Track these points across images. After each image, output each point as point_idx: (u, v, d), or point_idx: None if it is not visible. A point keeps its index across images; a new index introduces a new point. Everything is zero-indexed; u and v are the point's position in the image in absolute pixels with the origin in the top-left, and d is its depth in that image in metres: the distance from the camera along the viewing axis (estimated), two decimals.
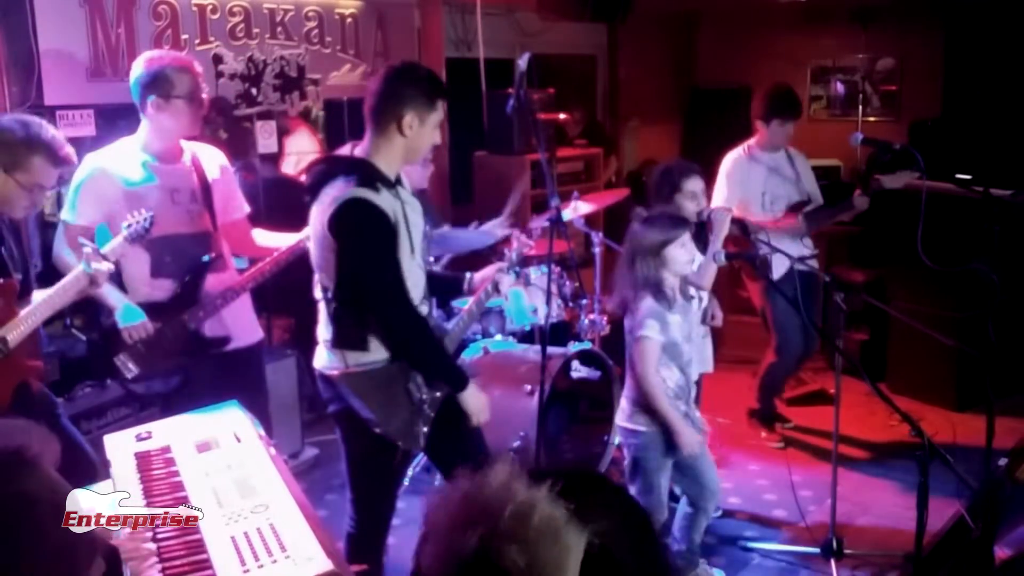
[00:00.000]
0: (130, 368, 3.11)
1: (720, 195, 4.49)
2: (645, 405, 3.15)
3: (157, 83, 3.08)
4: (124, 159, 3.16)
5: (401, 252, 2.62)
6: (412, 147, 2.68)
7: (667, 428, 3.12)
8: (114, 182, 3.12)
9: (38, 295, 2.85)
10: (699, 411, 3.35)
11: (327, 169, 2.67)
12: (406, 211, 2.65)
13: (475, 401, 2.76)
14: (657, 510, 3.21)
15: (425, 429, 2.75)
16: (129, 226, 2.89)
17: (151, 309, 3.11)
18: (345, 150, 2.76)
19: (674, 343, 3.14)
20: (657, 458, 3.17)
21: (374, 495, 2.84)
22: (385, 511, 2.86)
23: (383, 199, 2.57)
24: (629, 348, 3.19)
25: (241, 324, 3.35)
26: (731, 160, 4.55)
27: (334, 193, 2.57)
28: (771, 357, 4.66)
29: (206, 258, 3.19)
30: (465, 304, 3.06)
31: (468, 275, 3.03)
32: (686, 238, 3.12)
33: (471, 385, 2.74)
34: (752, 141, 4.58)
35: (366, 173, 2.59)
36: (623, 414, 3.25)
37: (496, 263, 3.05)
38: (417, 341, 2.68)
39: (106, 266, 2.82)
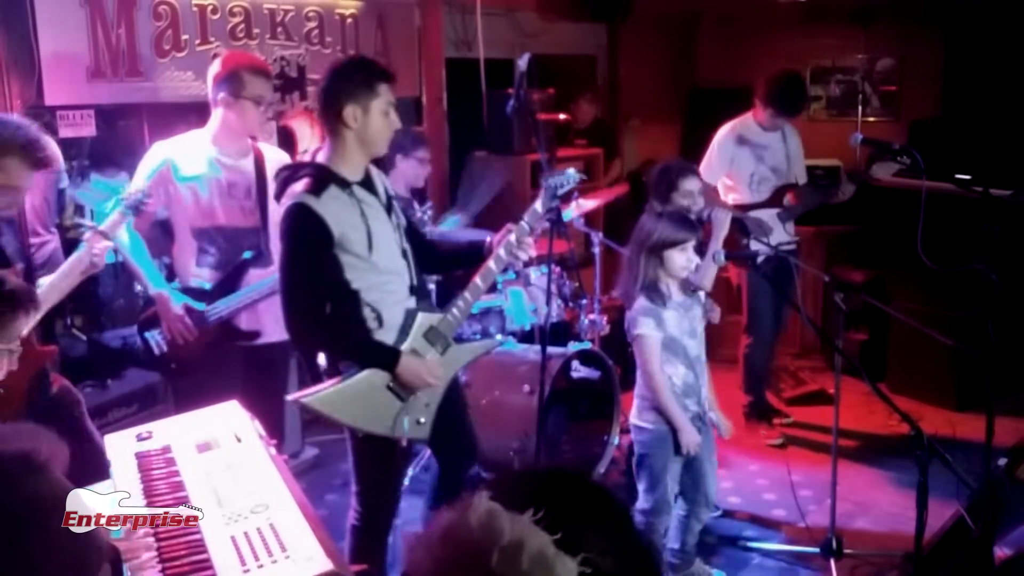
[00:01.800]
0: (160, 346, 3.22)
1: (708, 167, 4.59)
2: (652, 403, 3.17)
3: (229, 81, 3.18)
4: (191, 151, 3.27)
5: (357, 249, 2.63)
6: (365, 138, 2.68)
7: (672, 426, 3.14)
8: (174, 175, 3.24)
9: (43, 281, 2.89)
10: (715, 410, 3.34)
11: (289, 176, 2.71)
12: (364, 210, 2.66)
13: (409, 374, 2.70)
14: (662, 509, 3.23)
15: (422, 419, 2.77)
16: (123, 200, 2.96)
17: (193, 295, 3.24)
18: (308, 156, 2.80)
19: (673, 339, 3.16)
20: (663, 457, 3.19)
21: (379, 487, 2.85)
22: (390, 503, 2.88)
23: (327, 203, 2.58)
24: (631, 343, 3.23)
25: (276, 319, 3.37)
26: (725, 136, 4.63)
27: (284, 200, 2.64)
28: (745, 339, 4.75)
29: (248, 254, 3.28)
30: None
31: (488, 238, 2.97)
32: (689, 244, 3.12)
33: (402, 360, 2.68)
34: (750, 115, 4.62)
35: (316, 177, 2.63)
36: (633, 411, 3.28)
37: (509, 225, 2.91)
38: (324, 339, 2.72)
39: (106, 244, 2.88)
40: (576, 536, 0.92)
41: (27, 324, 2.47)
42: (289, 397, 2.75)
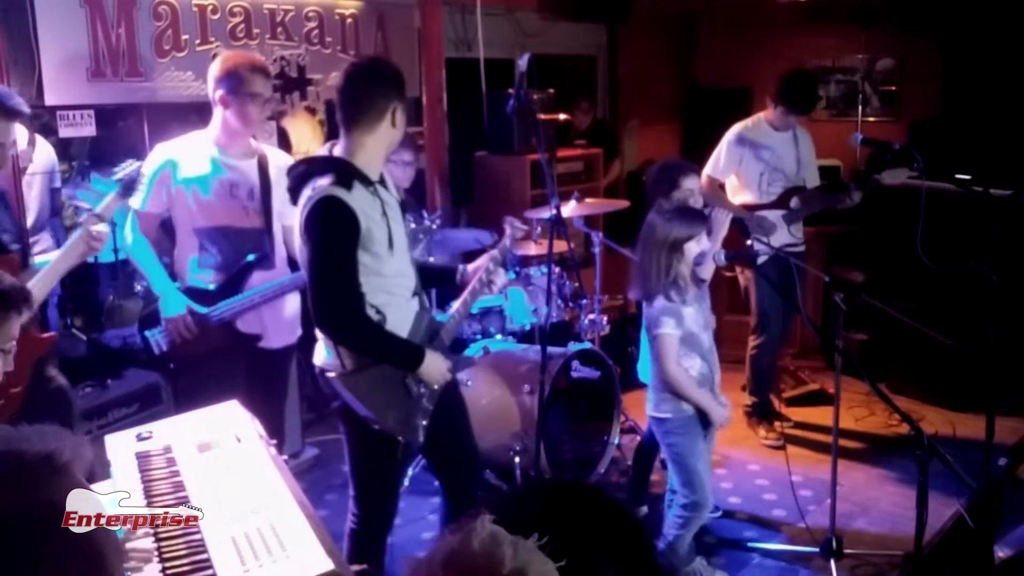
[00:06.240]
0: (160, 345, 3.20)
1: (716, 165, 4.58)
2: (671, 392, 3.21)
3: (227, 79, 3.18)
4: (193, 152, 3.26)
5: (377, 248, 2.62)
6: (396, 137, 2.74)
7: (698, 410, 3.20)
8: (174, 175, 3.22)
9: (39, 260, 2.90)
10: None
11: (306, 170, 2.67)
12: (386, 210, 2.66)
13: (432, 371, 2.73)
14: (704, 501, 3.25)
15: (424, 422, 2.77)
16: (120, 179, 2.93)
17: (194, 295, 3.22)
18: (323, 150, 2.77)
19: (691, 333, 3.19)
20: (691, 441, 3.23)
21: (377, 491, 2.84)
22: (388, 507, 2.86)
23: (356, 198, 2.57)
24: (649, 341, 3.26)
25: (278, 325, 3.39)
26: (735, 136, 4.62)
27: (309, 193, 2.60)
28: (753, 340, 4.75)
29: (250, 257, 3.26)
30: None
31: (461, 267, 3.04)
32: (703, 234, 3.17)
33: (427, 357, 2.70)
34: (762, 115, 4.63)
35: (343, 171, 2.60)
36: (650, 404, 3.30)
37: (489, 252, 3.03)
38: (356, 334, 2.67)
39: (102, 226, 2.87)
40: (585, 561, 0.90)
41: (20, 323, 2.47)
42: (318, 363, 2.75)
